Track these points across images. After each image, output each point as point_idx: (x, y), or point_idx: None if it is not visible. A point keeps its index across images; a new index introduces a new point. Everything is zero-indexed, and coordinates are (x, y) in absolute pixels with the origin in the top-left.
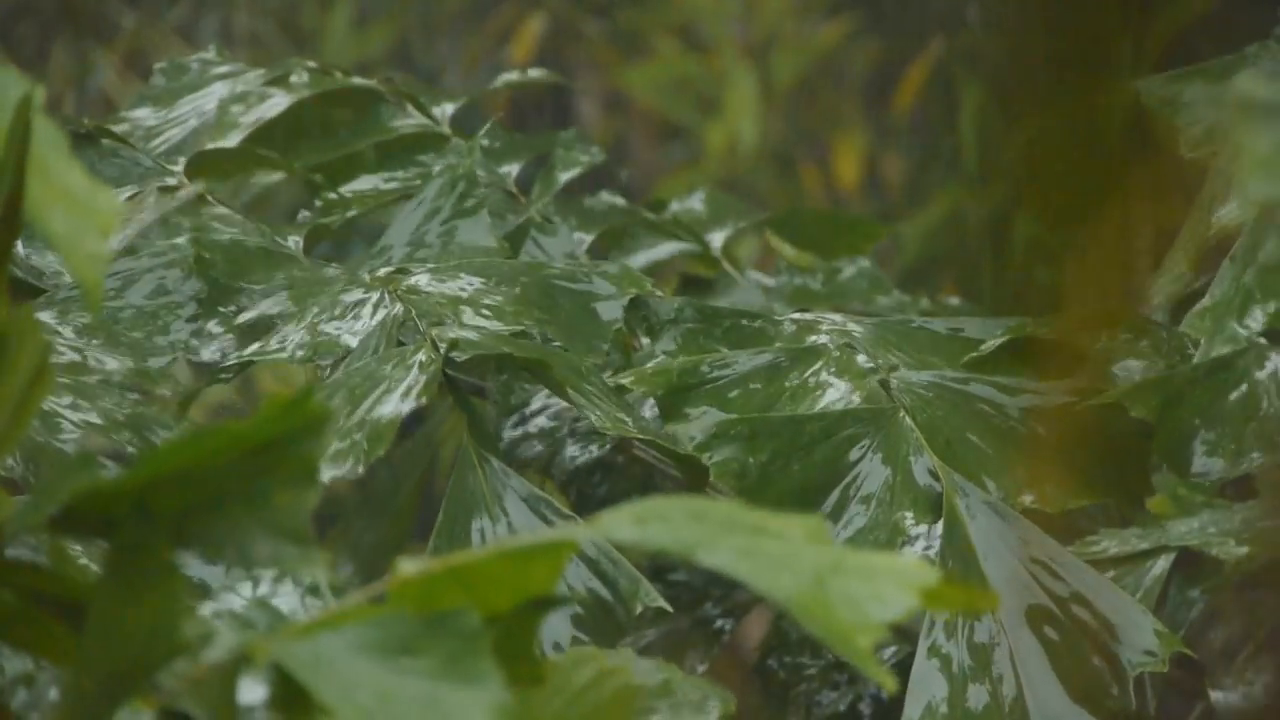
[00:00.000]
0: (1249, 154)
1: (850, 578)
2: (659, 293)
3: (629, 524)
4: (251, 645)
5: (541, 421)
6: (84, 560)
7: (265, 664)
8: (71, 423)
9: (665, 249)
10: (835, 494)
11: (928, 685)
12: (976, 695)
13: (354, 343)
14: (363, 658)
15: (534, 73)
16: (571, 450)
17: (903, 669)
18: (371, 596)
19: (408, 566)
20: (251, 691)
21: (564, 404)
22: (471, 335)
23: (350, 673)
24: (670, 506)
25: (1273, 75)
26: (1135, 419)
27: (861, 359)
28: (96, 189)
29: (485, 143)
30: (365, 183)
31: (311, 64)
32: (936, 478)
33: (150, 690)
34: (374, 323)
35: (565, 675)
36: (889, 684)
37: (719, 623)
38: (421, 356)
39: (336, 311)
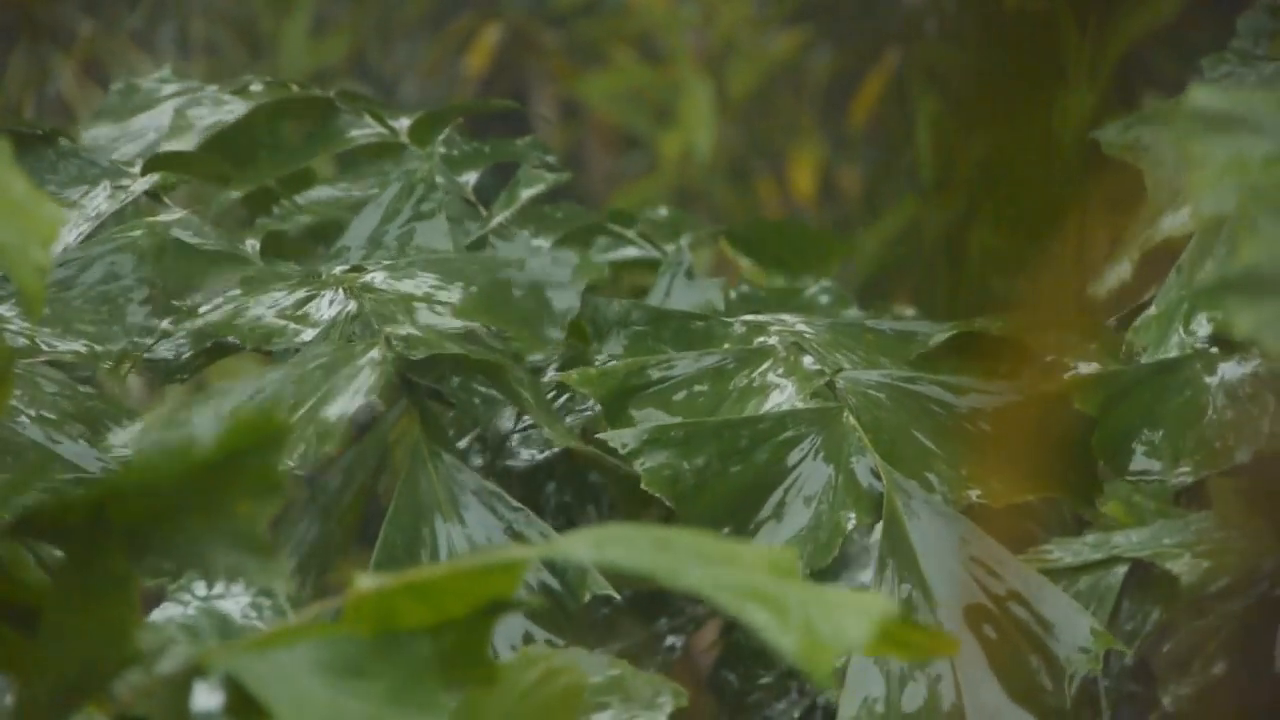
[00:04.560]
0: (1201, 167)
1: (812, 610)
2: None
3: (587, 547)
4: (204, 657)
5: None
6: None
7: (217, 676)
8: (27, 416)
9: (626, 253)
10: (776, 496)
11: (864, 683)
12: (913, 694)
13: (308, 337)
14: (315, 676)
15: None
16: (519, 450)
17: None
18: (327, 612)
19: (364, 582)
20: (207, 699)
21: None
22: (425, 334)
23: (303, 690)
24: (633, 534)
25: (1225, 87)
26: (1082, 416)
27: (809, 360)
28: (40, 199)
29: (444, 150)
30: (323, 192)
31: (268, 78)
32: (879, 477)
33: (105, 698)
34: (327, 318)
35: (513, 675)
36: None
37: (670, 639)
38: (374, 354)
39: (289, 306)
